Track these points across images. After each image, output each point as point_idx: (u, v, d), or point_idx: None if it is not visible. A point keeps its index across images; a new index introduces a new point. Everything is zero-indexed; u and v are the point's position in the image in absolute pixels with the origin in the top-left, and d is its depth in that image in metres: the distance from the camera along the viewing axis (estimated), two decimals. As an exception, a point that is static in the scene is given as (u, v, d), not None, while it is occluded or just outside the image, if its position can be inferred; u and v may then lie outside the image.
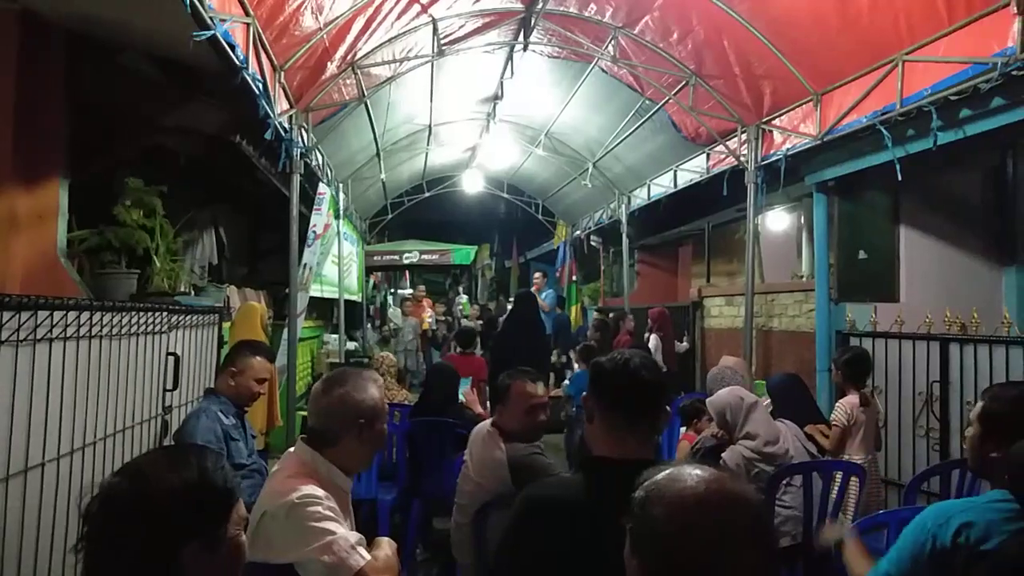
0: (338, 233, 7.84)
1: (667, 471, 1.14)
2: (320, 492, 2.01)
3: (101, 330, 2.65)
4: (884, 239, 5.76)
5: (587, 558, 1.61)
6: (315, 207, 6.44)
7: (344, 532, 1.96)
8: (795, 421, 4.29)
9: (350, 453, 2.12)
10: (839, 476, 3.79)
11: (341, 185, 8.03)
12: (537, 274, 11.34)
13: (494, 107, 8.01)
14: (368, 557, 1.95)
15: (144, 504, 1.20)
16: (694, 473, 1.11)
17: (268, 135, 4.38)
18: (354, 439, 2.10)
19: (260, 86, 3.95)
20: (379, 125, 7.46)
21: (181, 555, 1.20)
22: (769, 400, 4.22)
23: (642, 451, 1.78)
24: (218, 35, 3.16)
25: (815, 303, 5.96)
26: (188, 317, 3.78)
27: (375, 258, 12.52)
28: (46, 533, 2.27)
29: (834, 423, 4.25)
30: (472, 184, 11.23)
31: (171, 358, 3.44)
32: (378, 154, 8.52)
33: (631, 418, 1.80)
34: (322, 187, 6.51)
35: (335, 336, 8.78)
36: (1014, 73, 3.65)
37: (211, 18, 3.09)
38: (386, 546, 2.12)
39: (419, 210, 12.53)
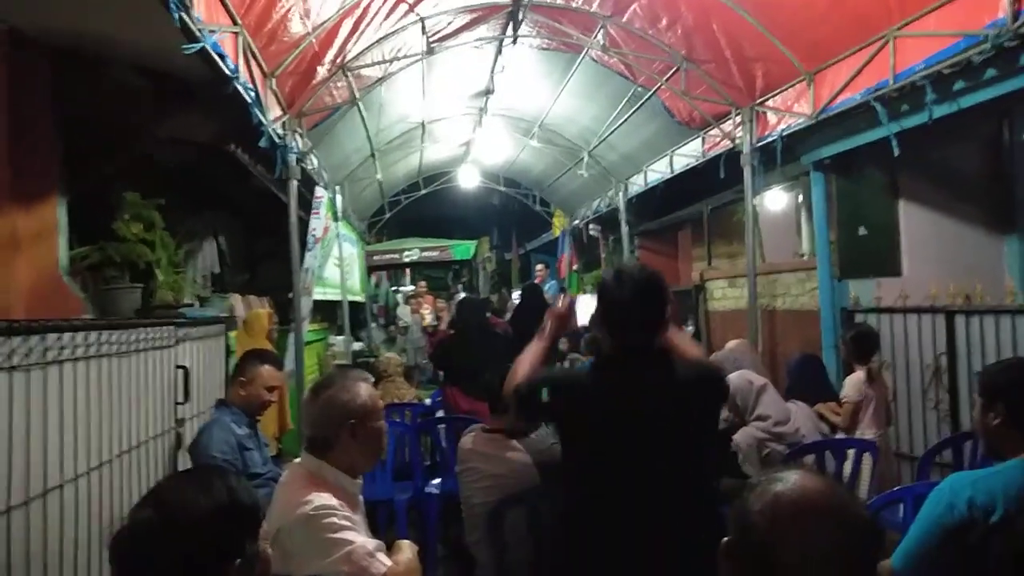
0: (337, 235, 7.84)
1: (779, 472, 1.13)
2: (334, 501, 2.02)
3: (110, 348, 2.65)
4: (884, 215, 5.76)
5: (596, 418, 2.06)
6: (313, 211, 6.43)
7: (362, 540, 1.97)
8: (809, 400, 4.32)
9: (350, 455, 2.13)
10: (851, 454, 3.82)
11: (338, 187, 8.03)
12: (539, 266, 11.35)
13: (486, 101, 7.99)
14: (389, 563, 1.97)
15: (177, 534, 1.18)
16: (800, 480, 1.10)
17: (263, 143, 4.37)
18: (349, 440, 2.11)
19: (252, 94, 3.95)
20: (372, 126, 7.45)
21: None
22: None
23: (637, 351, 2.09)
24: (207, 47, 3.15)
25: (818, 281, 5.96)
26: (195, 329, 3.79)
27: (375, 258, 12.52)
28: (69, 554, 2.29)
29: (845, 400, 4.27)
30: (468, 179, 11.22)
31: (180, 371, 3.45)
32: (373, 154, 8.52)
33: (628, 323, 2.10)
34: (319, 190, 6.51)
35: (341, 338, 8.80)
36: (1006, 44, 3.64)
37: (199, 30, 3.08)
38: (407, 549, 2.13)
39: (417, 208, 12.53)
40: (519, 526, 2.93)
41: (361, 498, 2.26)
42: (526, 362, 2.35)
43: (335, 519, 1.97)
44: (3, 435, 1.93)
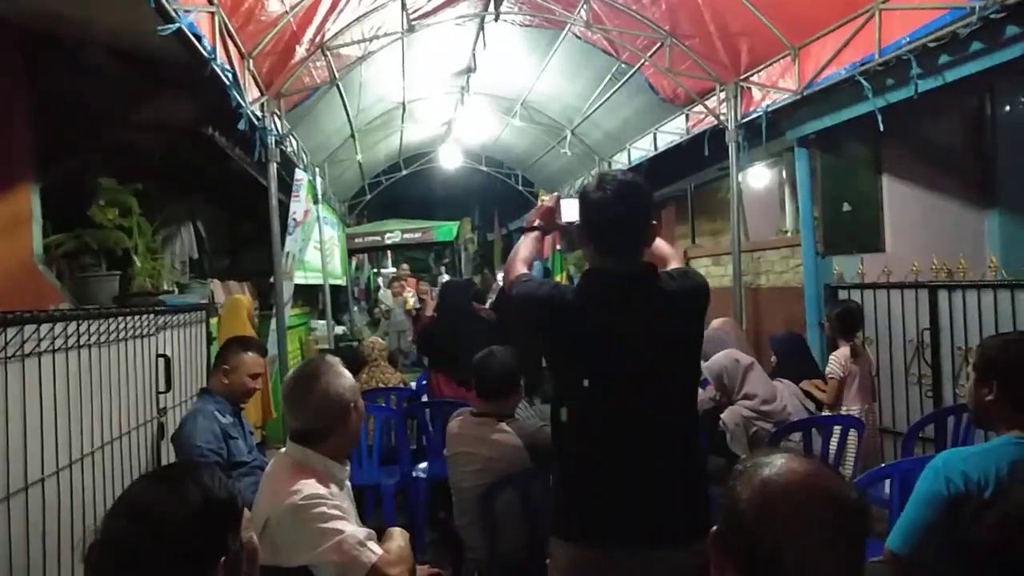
0: (318, 218, 7.74)
1: (765, 457, 1.12)
2: (322, 490, 2.00)
3: (89, 339, 2.59)
4: (867, 190, 5.77)
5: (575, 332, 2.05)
6: (293, 194, 6.33)
7: (352, 529, 1.95)
8: (795, 378, 4.34)
9: (341, 442, 2.13)
10: (838, 430, 3.84)
11: (317, 169, 7.91)
12: (522, 247, 11.28)
13: (467, 80, 7.88)
14: (379, 552, 1.95)
15: (157, 544, 1.14)
16: (787, 462, 1.09)
17: (242, 125, 4.28)
18: (343, 428, 2.10)
19: (230, 76, 3.85)
20: (352, 106, 7.33)
21: None
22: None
23: (624, 260, 2.05)
24: (183, 27, 3.05)
25: (802, 258, 5.98)
26: (175, 317, 3.72)
27: (357, 240, 12.39)
28: (52, 548, 2.24)
29: (830, 376, 4.30)
30: (450, 159, 11.10)
31: (161, 360, 3.39)
32: (353, 135, 8.40)
33: (613, 238, 2.06)
34: (299, 173, 6.40)
35: (322, 322, 8.72)
36: (992, 16, 3.63)
37: (175, 10, 2.98)
38: (398, 537, 2.12)
39: (397, 189, 12.38)
40: (510, 508, 2.93)
41: (349, 483, 2.24)
42: (518, 259, 2.38)
43: (324, 508, 1.95)
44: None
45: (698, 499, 2.03)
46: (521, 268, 2.33)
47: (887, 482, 2.95)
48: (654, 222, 2.11)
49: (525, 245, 2.44)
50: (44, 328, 2.27)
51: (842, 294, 5.35)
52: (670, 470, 2.00)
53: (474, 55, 7.03)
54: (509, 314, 4.76)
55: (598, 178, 2.10)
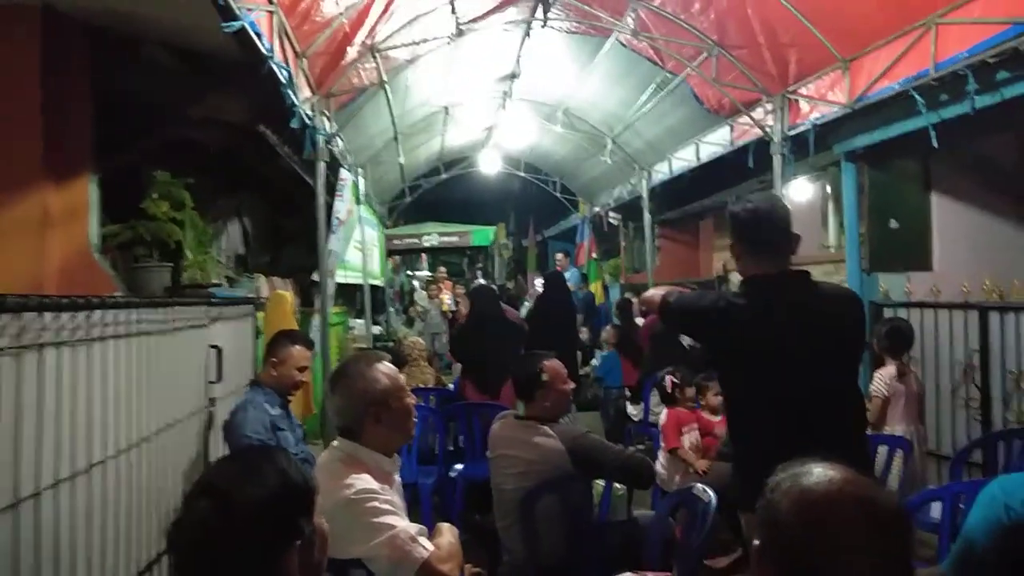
0: (359, 218, 7.82)
1: (801, 467, 1.12)
2: (375, 484, 2.02)
3: (149, 327, 2.66)
4: (916, 207, 5.68)
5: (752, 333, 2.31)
6: (337, 193, 6.41)
7: (404, 524, 1.97)
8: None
9: (379, 437, 2.14)
10: (883, 450, 3.77)
11: (360, 170, 8.00)
12: (559, 255, 11.31)
13: (511, 85, 7.93)
14: (431, 547, 1.97)
15: (235, 524, 1.17)
16: (824, 472, 1.09)
17: (294, 123, 4.36)
18: (374, 425, 2.11)
19: (285, 74, 3.93)
20: (397, 108, 7.41)
21: (283, 561, 1.20)
22: None
23: (781, 267, 2.35)
24: (246, 25, 3.13)
25: (846, 274, 5.89)
26: (227, 309, 3.80)
27: (395, 242, 12.51)
28: (111, 525, 2.30)
29: (874, 395, 4.22)
30: (489, 164, 11.16)
31: (213, 351, 3.46)
32: (396, 137, 8.48)
33: (766, 247, 2.37)
34: (344, 173, 6.48)
35: (361, 321, 8.81)
36: (1055, 33, 3.56)
37: (239, 9, 3.06)
38: (448, 533, 2.13)
39: (435, 192, 12.46)
40: (551, 512, 2.93)
41: (398, 477, 2.26)
42: (658, 290, 2.67)
43: (377, 503, 1.97)
44: (50, 410, 1.93)
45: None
46: (663, 290, 2.65)
47: (934, 505, 2.89)
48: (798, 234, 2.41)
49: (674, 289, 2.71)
50: (106, 314, 2.32)
51: (888, 312, 5.26)
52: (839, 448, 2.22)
53: (518, 60, 7.07)
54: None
55: (754, 202, 2.43)
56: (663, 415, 4.55)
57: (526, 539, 2.93)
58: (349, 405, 2.12)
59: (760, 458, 2.25)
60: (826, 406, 2.27)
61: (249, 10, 3.24)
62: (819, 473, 1.08)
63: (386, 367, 2.21)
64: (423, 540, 1.97)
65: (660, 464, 4.35)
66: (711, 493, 2.59)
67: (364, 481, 2.01)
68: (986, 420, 4.57)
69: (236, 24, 3.04)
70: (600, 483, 3.49)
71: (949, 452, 4.57)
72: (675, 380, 4.59)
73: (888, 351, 4.29)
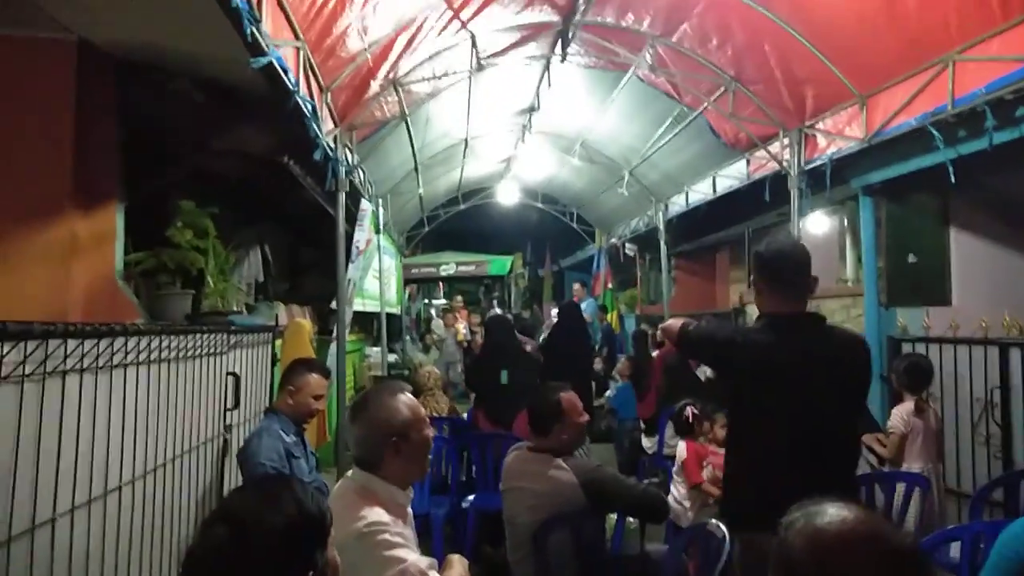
0: (378, 248, 7.91)
1: (815, 507, 1.12)
2: (386, 517, 2.02)
3: (168, 354, 2.70)
4: (934, 242, 5.65)
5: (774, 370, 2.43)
6: (358, 223, 6.50)
7: (415, 558, 1.97)
8: (855, 431, 4.22)
9: (397, 470, 2.14)
10: (901, 487, 3.72)
11: (380, 200, 8.11)
12: (576, 285, 11.34)
13: (530, 118, 8.02)
14: (440, 581, 1.97)
15: (251, 551, 1.18)
16: (838, 511, 1.09)
17: (317, 155, 4.44)
18: (394, 456, 2.11)
19: (310, 108, 4.01)
20: (417, 140, 7.52)
21: None
22: None
23: (798, 307, 2.51)
24: (273, 61, 3.21)
25: (863, 308, 5.86)
26: (246, 336, 3.84)
27: (413, 270, 12.59)
28: (124, 552, 2.32)
29: (892, 431, 4.17)
30: (507, 195, 11.26)
31: (231, 378, 3.50)
32: (416, 169, 8.59)
33: (787, 287, 2.51)
34: (364, 203, 6.58)
35: (377, 349, 8.85)
36: (1073, 70, 3.57)
37: (266, 44, 3.14)
38: (458, 564, 2.13)
39: (454, 221, 12.58)
40: (563, 547, 2.92)
41: (410, 510, 2.26)
42: (677, 320, 2.80)
43: (388, 536, 1.98)
44: (70, 436, 1.97)
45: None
46: (682, 320, 2.78)
47: (953, 545, 2.84)
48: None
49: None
50: (128, 342, 2.37)
51: (906, 347, 5.21)
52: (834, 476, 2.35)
53: (538, 94, 7.16)
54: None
55: (777, 243, 2.60)
56: (680, 448, 4.52)
57: (538, 572, 2.92)
58: (369, 435, 2.13)
59: (755, 480, 2.44)
60: (823, 441, 2.40)
61: (277, 46, 3.34)
62: (833, 513, 1.08)
63: (408, 398, 2.22)
64: (433, 574, 1.97)
65: (673, 498, 4.32)
66: (725, 529, 2.57)
67: (376, 514, 2.02)
68: (1007, 458, 4.49)
69: (264, 60, 3.12)
70: (613, 516, 3.47)
71: (968, 489, 4.49)
72: (695, 412, 4.58)
73: (907, 387, 4.25)
